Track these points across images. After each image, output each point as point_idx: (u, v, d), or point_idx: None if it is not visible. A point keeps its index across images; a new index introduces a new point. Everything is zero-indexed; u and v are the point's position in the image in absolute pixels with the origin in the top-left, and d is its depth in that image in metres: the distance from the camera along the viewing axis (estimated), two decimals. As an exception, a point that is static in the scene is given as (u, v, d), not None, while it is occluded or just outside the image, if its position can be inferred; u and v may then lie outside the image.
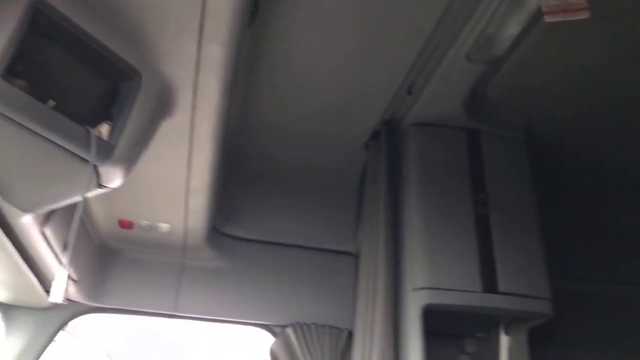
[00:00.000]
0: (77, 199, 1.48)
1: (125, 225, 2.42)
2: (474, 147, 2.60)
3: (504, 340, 2.55)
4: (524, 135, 2.67)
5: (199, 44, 1.49)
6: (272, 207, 2.79)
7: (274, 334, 2.50)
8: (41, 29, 1.29)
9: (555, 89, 2.39)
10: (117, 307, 2.57)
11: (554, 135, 2.69)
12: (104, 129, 1.45)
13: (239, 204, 2.74)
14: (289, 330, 2.43)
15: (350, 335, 2.48)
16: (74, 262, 2.21)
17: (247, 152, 2.71)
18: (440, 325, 2.38)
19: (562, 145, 2.76)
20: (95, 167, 1.41)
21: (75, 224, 1.42)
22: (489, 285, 2.26)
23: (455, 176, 2.52)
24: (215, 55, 1.54)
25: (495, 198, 2.48)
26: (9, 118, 1.23)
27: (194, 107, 1.70)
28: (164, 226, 2.38)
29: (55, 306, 2.35)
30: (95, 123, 1.44)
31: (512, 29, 2.04)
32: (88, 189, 1.45)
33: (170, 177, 2.08)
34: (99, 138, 1.41)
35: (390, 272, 2.43)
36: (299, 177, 2.84)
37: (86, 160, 1.38)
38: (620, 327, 3.09)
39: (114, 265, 2.61)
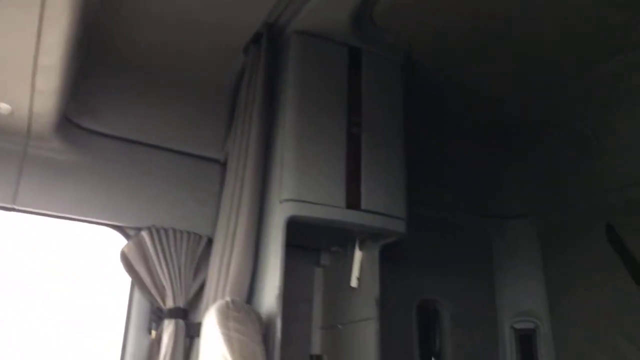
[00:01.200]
0: None
1: (-47, 100, 2.05)
2: (354, 66, 2.58)
3: (358, 255, 2.67)
4: (403, 60, 2.70)
5: None
6: (136, 102, 2.53)
7: (126, 236, 2.35)
8: None
9: (439, 16, 2.41)
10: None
11: (432, 64, 2.75)
12: None
13: (97, 93, 2.44)
14: (144, 234, 2.29)
15: (209, 242, 2.42)
16: None
17: (112, 35, 2.41)
18: (298, 238, 2.41)
19: (437, 74, 2.84)
20: None
21: None
22: (353, 202, 2.32)
23: (333, 93, 2.48)
24: None
25: (369, 119, 2.50)
26: None
27: (48, -38, 1.42)
28: (4, 107, 2.05)
29: None
30: None
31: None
32: None
33: (15, 49, 1.76)
34: None
35: (257, 183, 2.39)
36: (169, 73, 2.60)
37: None
38: (458, 252, 3.40)
39: None
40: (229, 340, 1.78)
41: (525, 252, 3.47)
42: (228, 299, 1.97)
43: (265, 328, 2.03)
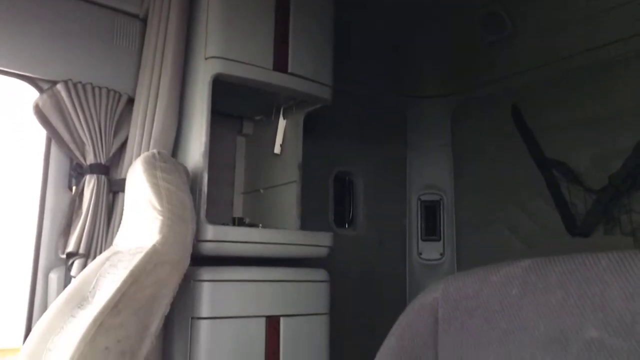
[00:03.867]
0: None
1: None
2: None
3: (282, 123, 2.71)
4: None
5: None
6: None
7: (39, 89, 2.21)
8: None
9: None
10: None
11: None
12: None
13: None
14: (60, 87, 2.16)
15: (130, 101, 2.35)
16: None
17: None
18: (221, 105, 2.41)
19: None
20: None
21: None
22: (280, 64, 2.31)
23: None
24: None
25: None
26: None
27: None
28: None
29: None
30: None
31: None
32: None
33: None
34: None
35: (181, 39, 2.31)
36: None
37: None
38: (375, 128, 3.54)
39: None
40: (157, 189, 1.80)
41: (437, 130, 3.68)
42: (154, 150, 1.96)
43: (191, 182, 2.06)
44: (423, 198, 3.68)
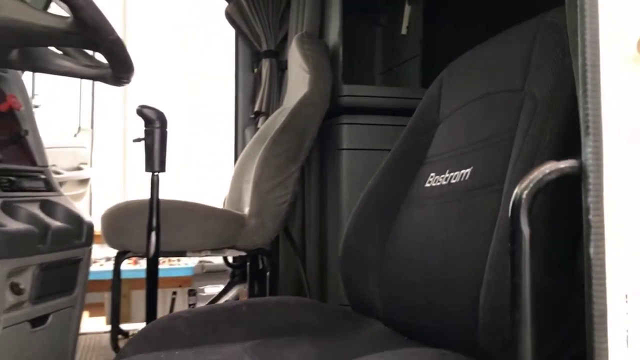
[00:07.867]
0: None
1: None
2: None
3: (407, 9, 3.33)
4: None
5: None
6: None
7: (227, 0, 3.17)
8: None
9: None
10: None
11: None
12: None
13: None
14: (241, -3, 3.09)
15: (287, 3, 3.18)
16: None
17: None
18: (360, 2, 3.08)
19: None
20: None
21: None
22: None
23: None
24: None
25: None
26: None
27: None
28: None
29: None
30: None
31: None
32: None
33: None
34: None
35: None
36: None
37: None
38: (491, 12, 3.91)
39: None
40: (305, 57, 2.63)
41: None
42: (302, 31, 2.79)
43: (330, 55, 2.85)
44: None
